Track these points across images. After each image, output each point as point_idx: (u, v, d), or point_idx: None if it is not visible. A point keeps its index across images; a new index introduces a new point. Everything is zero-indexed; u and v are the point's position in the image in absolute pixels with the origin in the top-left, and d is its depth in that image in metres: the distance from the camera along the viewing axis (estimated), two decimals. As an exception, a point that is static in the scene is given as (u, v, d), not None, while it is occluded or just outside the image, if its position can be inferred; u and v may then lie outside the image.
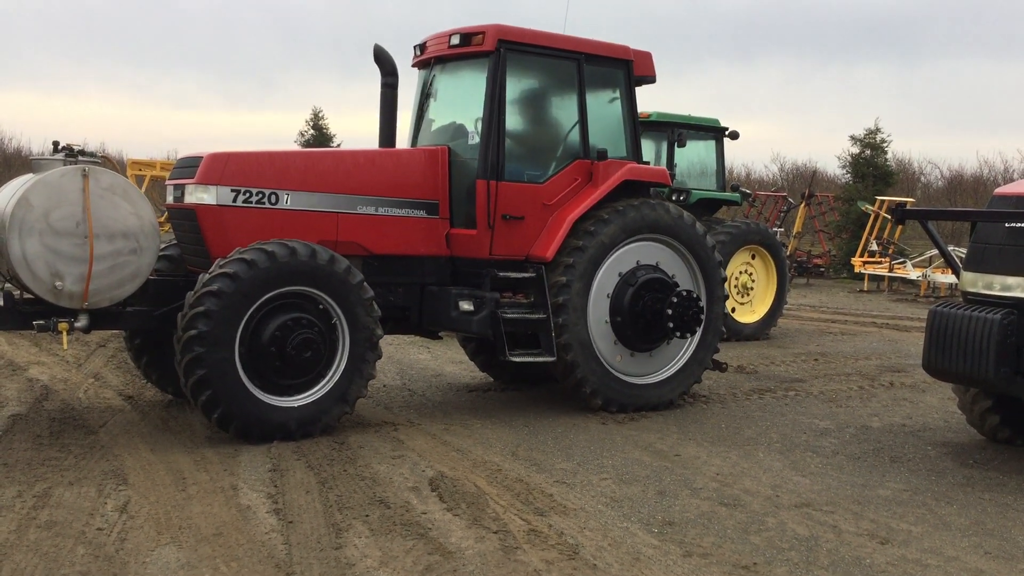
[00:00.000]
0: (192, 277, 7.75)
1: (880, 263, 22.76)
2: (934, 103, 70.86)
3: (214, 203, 7.68)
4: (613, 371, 8.78)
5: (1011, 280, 6.78)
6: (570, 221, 8.58)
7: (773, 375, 11.23)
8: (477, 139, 8.65)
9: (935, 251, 20.20)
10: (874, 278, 23.13)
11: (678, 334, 8.80)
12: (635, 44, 9.27)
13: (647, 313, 8.76)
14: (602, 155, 8.82)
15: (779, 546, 5.39)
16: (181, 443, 7.34)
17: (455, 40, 8.70)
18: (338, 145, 51.38)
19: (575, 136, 8.94)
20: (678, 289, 8.83)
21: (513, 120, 8.89)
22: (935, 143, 74.83)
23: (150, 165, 35.20)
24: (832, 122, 72.22)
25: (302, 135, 51.63)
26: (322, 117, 49.73)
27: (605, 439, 7.81)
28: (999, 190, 7.47)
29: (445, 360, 11.68)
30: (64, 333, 7.24)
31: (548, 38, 8.77)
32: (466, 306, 8.34)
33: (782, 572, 5.01)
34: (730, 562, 5.13)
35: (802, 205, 26.86)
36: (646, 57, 9.39)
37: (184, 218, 7.94)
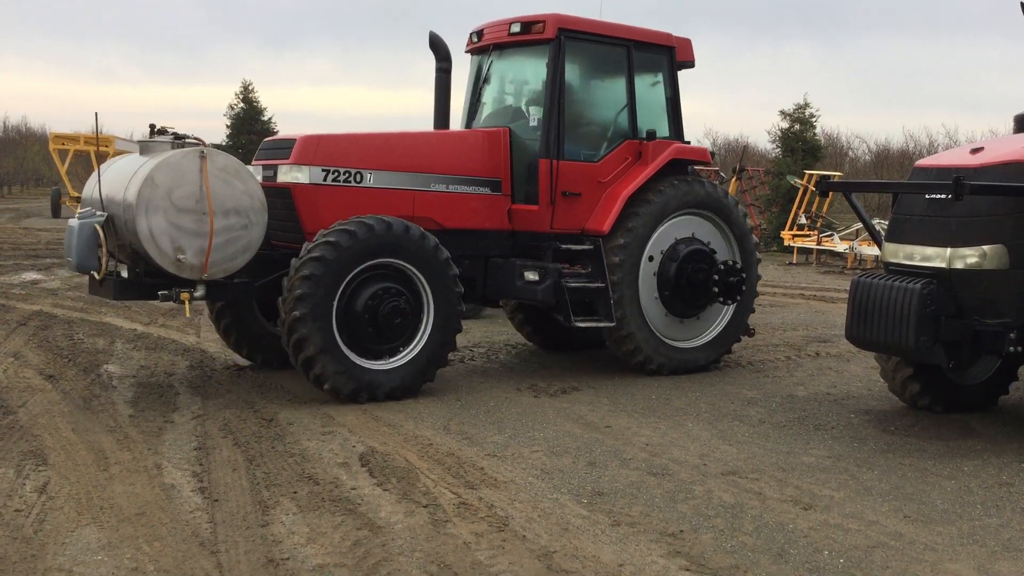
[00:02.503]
0: (283, 252, 8.39)
1: (808, 236, 23.14)
2: (861, 79, 72.29)
3: (307, 182, 8.30)
4: (661, 336, 9.45)
5: (930, 251, 6.93)
6: (624, 197, 9.19)
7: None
8: (535, 121, 9.23)
9: (862, 224, 20.57)
10: (803, 251, 23.53)
11: (722, 299, 9.49)
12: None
13: (692, 282, 9.42)
14: (651, 135, 9.43)
15: (705, 514, 5.47)
16: (104, 423, 7.18)
17: (515, 28, 9.29)
18: (271, 119, 50.50)
19: (625, 118, 9.56)
20: (722, 259, 9.53)
21: (570, 103, 9.36)
22: (862, 118, 76.36)
23: (73, 139, 34.15)
24: (762, 98, 73.24)
25: (231, 108, 50.62)
26: (252, 90, 48.83)
27: (537, 412, 7.83)
28: (919, 162, 7.62)
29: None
30: (187, 302, 7.82)
31: (601, 26, 9.39)
32: (531, 276, 8.92)
33: (708, 539, 5.08)
34: (657, 530, 5.19)
35: (733, 179, 27.16)
36: (686, 43, 9.97)
37: (276, 196, 8.30)
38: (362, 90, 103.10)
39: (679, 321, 9.58)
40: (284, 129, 52.29)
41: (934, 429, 7.49)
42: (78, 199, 32.49)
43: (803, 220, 23.89)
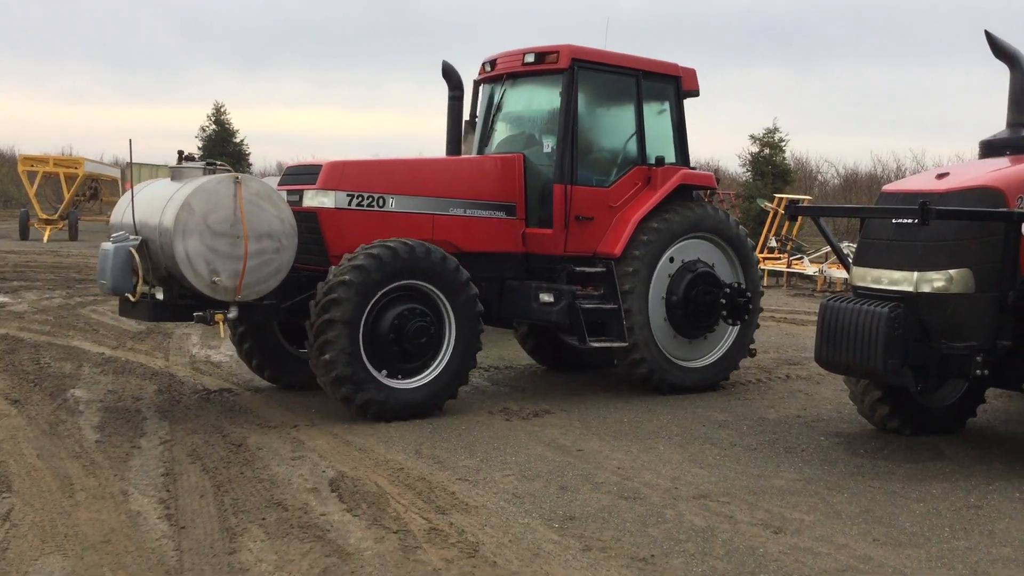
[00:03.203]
0: (307, 274, 8.56)
1: (779, 259, 23.32)
2: (830, 103, 73.18)
3: (333, 206, 8.57)
4: (669, 356, 9.72)
5: (897, 274, 7.00)
6: (635, 220, 9.51)
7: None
8: (549, 148, 9.56)
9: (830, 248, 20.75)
10: (773, 273, 23.70)
11: (730, 321, 9.81)
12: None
13: (700, 303, 9.71)
14: (660, 162, 9.77)
15: (676, 538, 5.46)
16: (69, 448, 7.07)
17: (529, 59, 9.62)
18: (243, 140, 50.28)
19: (634, 144, 9.90)
20: (729, 282, 9.85)
21: (582, 130, 9.69)
22: (831, 142, 77.28)
23: (43, 161, 33.82)
24: (733, 121, 74.01)
25: (203, 130, 50.40)
26: (224, 112, 48.67)
27: (509, 436, 7.81)
28: (886, 187, 7.71)
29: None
30: (221, 323, 8.09)
31: (612, 57, 9.74)
32: (547, 298, 9.16)
33: (678, 563, 5.08)
34: (628, 555, 5.18)
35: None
36: (691, 73, 10.33)
37: (301, 220, 8.44)
38: (336, 112, 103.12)
39: (687, 341, 9.86)
40: (256, 151, 52.07)
41: (903, 452, 7.55)
42: (48, 221, 32.30)
43: (773, 243, 24.08)
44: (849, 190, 41.71)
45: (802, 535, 5.56)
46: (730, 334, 10.11)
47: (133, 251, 7.90)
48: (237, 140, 49.65)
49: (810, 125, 74.46)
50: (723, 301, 9.74)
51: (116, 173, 40.16)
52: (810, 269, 21.92)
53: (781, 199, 24.52)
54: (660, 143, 10.04)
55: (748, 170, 30.23)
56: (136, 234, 8.06)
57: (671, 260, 9.72)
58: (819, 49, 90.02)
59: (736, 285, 9.86)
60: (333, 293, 7.89)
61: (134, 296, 8.05)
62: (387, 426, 8.00)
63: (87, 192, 37.16)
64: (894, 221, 7.11)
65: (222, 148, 48.28)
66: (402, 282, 8.19)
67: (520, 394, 9.63)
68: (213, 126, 49.00)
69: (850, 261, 7.66)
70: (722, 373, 10.12)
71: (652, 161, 9.81)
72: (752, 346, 10.38)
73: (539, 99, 10.04)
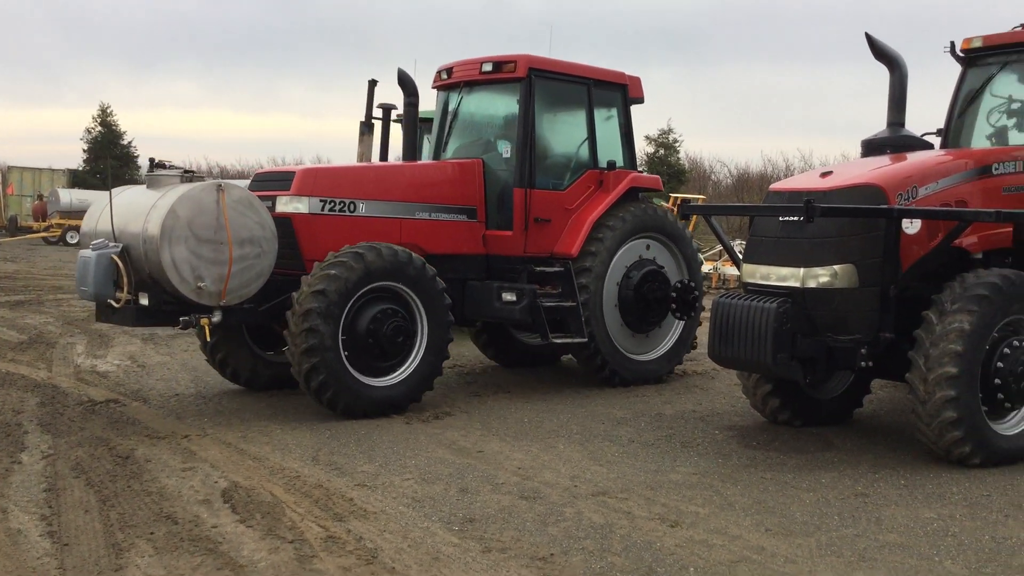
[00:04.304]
0: (283, 277, 8.68)
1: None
2: (723, 105, 75.02)
3: (307, 211, 8.85)
4: (622, 350, 10.19)
5: (785, 271, 7.18)
6: (591, 222, 10.00)
7: (572, 368, 11.50)
8: (508, 153, 9.98)
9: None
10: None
11: (679, 316, 10.21)
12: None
13: (649, 299, 10.21)
14: (612, 165, 10.28)
15: (576, 535, 5.49)
16: (-57, 466, 6.71)
17: (487, 67, 9.97)
18: (131, 143, 48.72)
19: (586, 149, 10.39)
20: (678, 279, 10.31)
21: (539, 136, 10.07)
22: (724, 143, 79.22)
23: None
24: (629, 122, 75.00)
25: (89, 132, 48.69)
26: (111, 114, 47.14)
27: (409, 439, 7.74)
28: (773, 186, 7.91)
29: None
30: (206, 327, 8.25)
31: (566, 66, 10.17)
32: (509, 297, 9.52)
33: (577, 561, 5.10)
34: (528, 555, 5.18)
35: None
36: (637, 81, 10.83)
37: (275, 225, 8.56)
38: (229, 114, 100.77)
39: (638, 336, 10.36)
40: (146, 153, 50.55)
41: (793, 443, 7.75)
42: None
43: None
44: (741, 189, 42.79)
45: (697, 528, 5.65)
46: (676, 329, 10.63)
47: (115, 258, 8.01)
48: (125, 142, 48.09)
49: (703, 126, 76.25)
50: (673, 296, 10.14)
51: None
52: (704, 267, 22.38)
53: (676, 199, 25.00)
54: (610, 148, 10.53)
55: (644, 170, 30.73)
56: (115, 241, 8.13)
57: (623, 259, 10.16)
58: (711, 51, 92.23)
59: (685, 282, 10.29)
60: (311, 303, 8.10)
61: (117, 303, 8.12)
62: (283, 433, 7.84)
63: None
64: (781, 219, 7.29)
65: (109, 151, 46.69)
66: (376, 284, 8.45)
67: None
68: (99, 128, 47.36)
69: (740, 258, 7.83)
70: (668, 366, 10.61)
71: (604, 165, 10.27)
72: (694, 339, 10.94)
73: (496, 106, 10.48)
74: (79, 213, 38.62)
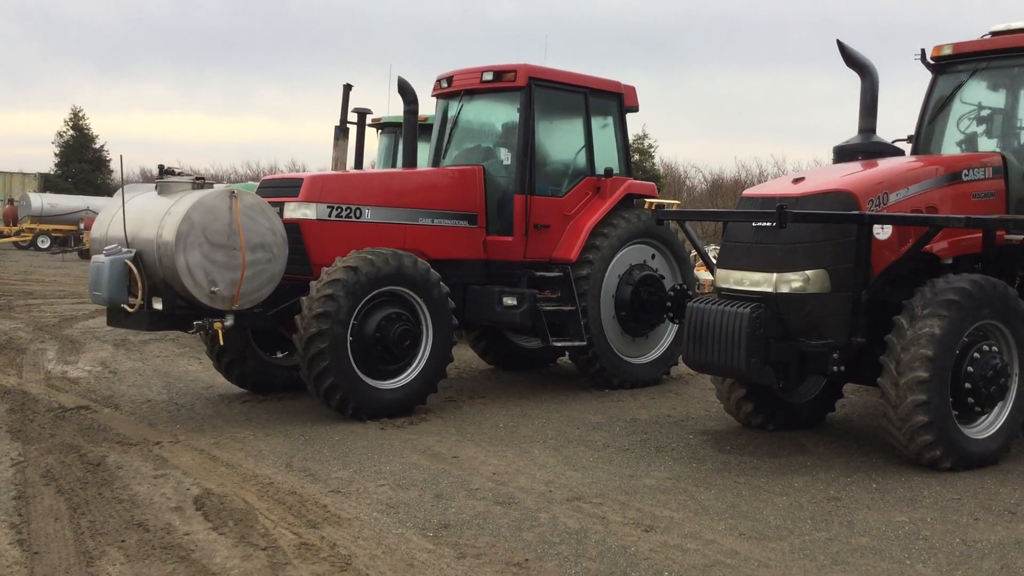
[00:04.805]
0: (291, 282, 8.78)
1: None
2: (697, 111, 75.36)
3: (315, 217, 9.04)
4: (619, 353, 10.40)
5: (758, 276, 7.23)
6: (588, 228, 10.21)
7: (550, 372, 11.51)
8: (508, 160, 10.16)
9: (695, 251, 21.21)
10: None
11: (674, 319, 9.97)
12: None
13: (645, 303, 10.42)
14: (609, 173, 10.47)
15: (550, 541, 5.49)
16: (-91, 474, 6.62)
17: (488, 76, 10.15)
18: (103, 146, 48.28)
19: (583, 157, 10.58)
20: (673, 284, 10.22)
21: (538, 144, 10.22)
22: (698, 148, 79.52)
23: None
24: (605, 128, 75.15)
25: (60, 136, 48.23)
26: (83, 117, 46.73)
27: (384, 444, 7.71)
28: (746, 191, 7.96)
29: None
30: (219, 331, 8.37)
31: (564, 75, 10.35)
32: (510, 301, 9.69)
33: (552, 566, 5.10)
34: (503, 560, 5.17)
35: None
36: (632, 90, 11.04)
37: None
38: (200, 117, 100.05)
39: (633, 339, 10.55)
40: (116, 155, 50.13)
41: (767, 447, 7.79)
42: None
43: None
44: (716, 194, 42.94)
45: (672, 532, 5.66)
46: (669, 332, 10.80)
47: (129, 263, 8.12)
48: (97, 146, 47.70)
49: (678, 131, 76.52)
50: (669, 301, 10.14)
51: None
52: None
53: (651, 203, 25.08)
54: (606, 155, 10.69)
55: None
56: (128, 247, 8.24)
57: (619, 264, 10.38)
58: (685, 57, 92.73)
59: (681, 286, 10.26)
60: (320, 308, 8.23)
61: (131, 307, 8.22)
62: (256, 439, 7.79)
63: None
64: (754, 224, 7.33)
65: (80, 155, 46.27)
66: (383, 288, 8.61)
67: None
68: (71, 132, 46.93)
69: (714, 263, 7.87)
70: (663, 368, 10.81)
71: (601, 172, 10.45)
72: None
73: (496, 114, 10.65)
74: (50, 218, 38.27)
